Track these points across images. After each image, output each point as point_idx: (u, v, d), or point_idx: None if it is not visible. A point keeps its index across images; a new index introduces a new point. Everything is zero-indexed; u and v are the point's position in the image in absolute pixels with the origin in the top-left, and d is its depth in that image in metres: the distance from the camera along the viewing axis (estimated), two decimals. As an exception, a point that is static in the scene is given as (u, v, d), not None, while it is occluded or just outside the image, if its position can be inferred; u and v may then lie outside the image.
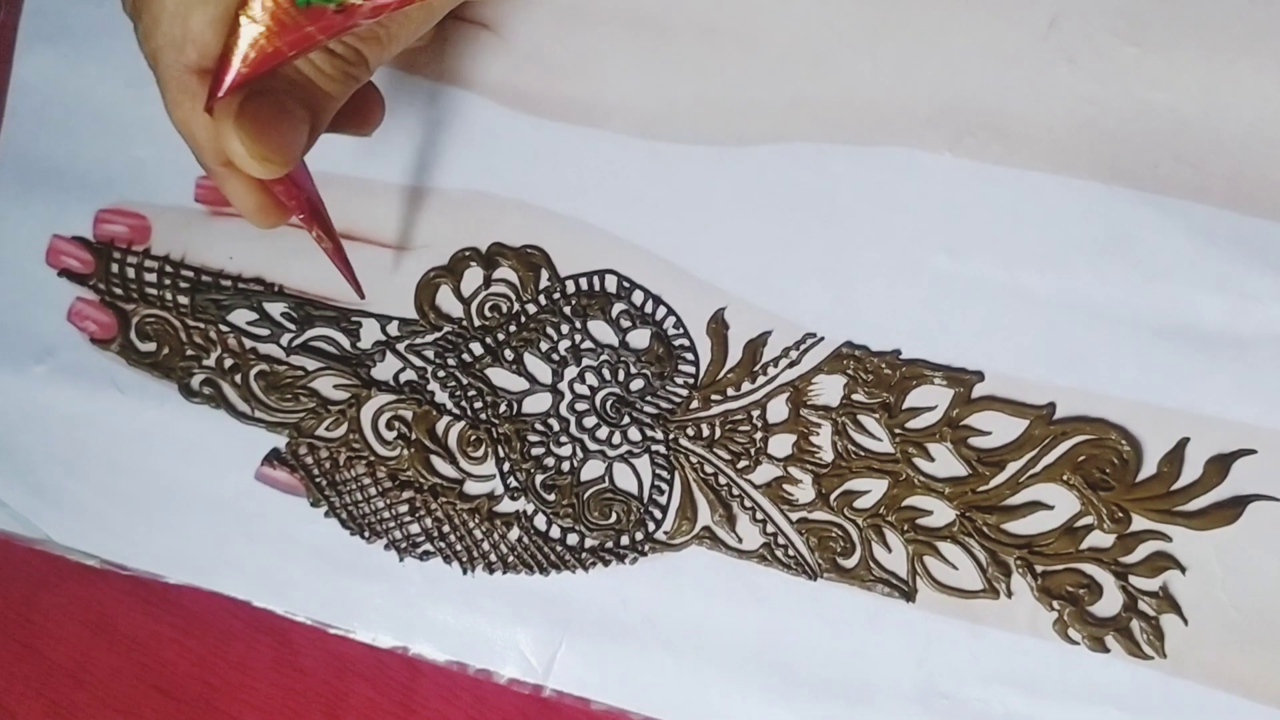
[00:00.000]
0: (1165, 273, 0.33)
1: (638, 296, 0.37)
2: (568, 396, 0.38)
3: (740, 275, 0.36)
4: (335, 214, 0.34)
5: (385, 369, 0.39)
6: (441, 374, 0.39)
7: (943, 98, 0.34)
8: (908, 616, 0.35)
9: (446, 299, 0.39)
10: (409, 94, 0.39)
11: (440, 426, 0.39)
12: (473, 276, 0.38)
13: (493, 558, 0.38)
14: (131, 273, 0.41)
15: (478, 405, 0.38)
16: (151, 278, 0.41)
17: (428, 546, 0.38)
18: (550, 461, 0.38)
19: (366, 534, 0.39)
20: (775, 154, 0.36)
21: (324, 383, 0.40)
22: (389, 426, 0.39)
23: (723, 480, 0.36)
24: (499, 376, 0.38)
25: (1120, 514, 0.33)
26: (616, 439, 0.37)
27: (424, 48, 0.38)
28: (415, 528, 0.39)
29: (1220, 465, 0.32)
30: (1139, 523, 0.33)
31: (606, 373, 0.37)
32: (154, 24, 0.28)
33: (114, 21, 0.32)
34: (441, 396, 0.39)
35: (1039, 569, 0.34)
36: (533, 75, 0.38)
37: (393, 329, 0.39)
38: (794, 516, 0.35)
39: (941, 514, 0.34)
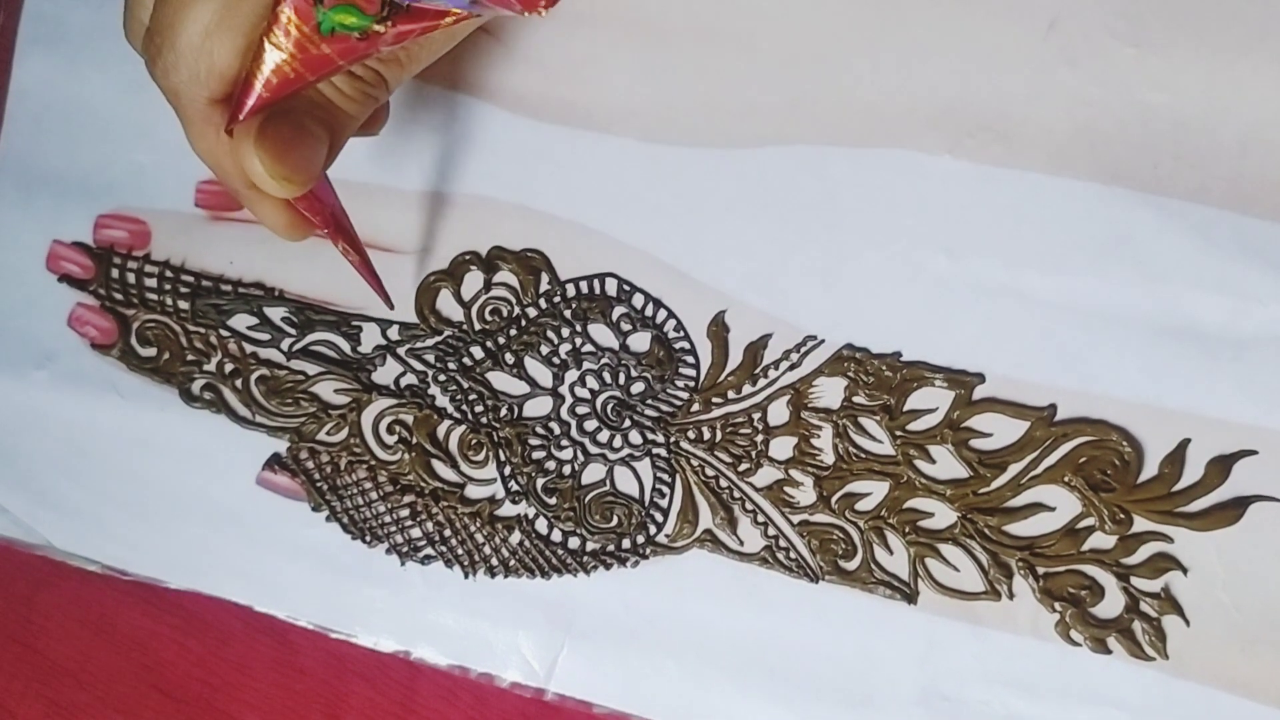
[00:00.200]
0: (1165, 274, 0.33)
1: (638, 300, 0.37)
2: (568, 400, 0.38)
3: (741, 278, 0.36)
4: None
5: (386, 373, 0.39)
6: (442, 378, 0.39)
7: (943, 99, 0.34)
8: (909, 619, 0.35)
9: (447, 303, 0.39)
10: (409, 98, 0.39)
11: (441, 430, 0.39)
12: (473, 280, 0.38)
13: (494, 561, 0.38)
14: (132, 278, 0.41)
15: (478, 409, 0.38)
16: (152, 283, 0.41)
17: (429, 551, 0.38)
18: (551, 465, 0.38)
19: (368, 538, 0.39)
20: (775, 156, 0.36)
21: (325, 387, 0.40)
22: (390, 431, 0.39)
23: (724, 483, 0.36)
24: (500, 380, 0.38)
25: (1122, 515, 0.33)
26: (617, 442, 0.37)
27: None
28: (416, 532, 0.39)
29: (1221, 466, 0.32)
30: (1140, 524, 0.33)
31: (607, 376, 0.37)
32: (176, 60, 0.28)
33: (113, 26, 0.32)
34: (442, 400, 0.39)
35: (1041, 571, 0.33)
36: (533, 79, 0.38)
37: (393, 333, 0.39)
38: (795, 519, 0.35)
39: (943, 516, 0.34)
